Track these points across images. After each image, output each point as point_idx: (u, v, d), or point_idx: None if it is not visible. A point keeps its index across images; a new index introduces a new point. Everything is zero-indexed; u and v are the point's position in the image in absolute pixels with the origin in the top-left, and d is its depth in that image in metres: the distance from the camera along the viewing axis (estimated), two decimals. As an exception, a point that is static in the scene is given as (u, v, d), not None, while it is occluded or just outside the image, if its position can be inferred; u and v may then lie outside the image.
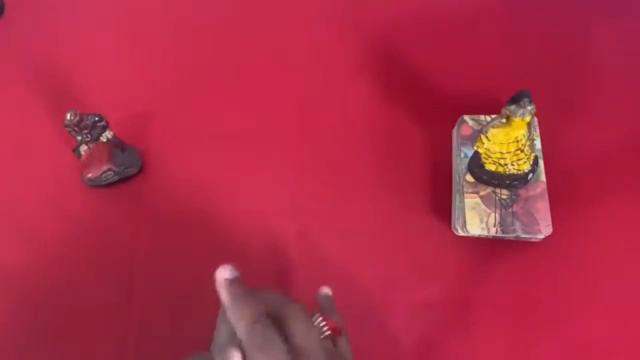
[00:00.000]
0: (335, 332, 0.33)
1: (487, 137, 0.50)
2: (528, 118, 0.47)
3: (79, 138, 0.55)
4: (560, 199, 0.50)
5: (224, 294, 0.32)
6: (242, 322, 0.30)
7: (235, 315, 0.31)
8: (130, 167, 0.58)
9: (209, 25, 0.70)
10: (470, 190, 0.52)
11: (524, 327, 0.49)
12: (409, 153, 0.58)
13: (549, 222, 0.49)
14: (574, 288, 0.50)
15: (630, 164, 0.55)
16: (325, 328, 0.33)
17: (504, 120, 0.48)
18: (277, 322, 0.30)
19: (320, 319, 0.33)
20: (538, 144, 0.53)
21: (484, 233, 0.50)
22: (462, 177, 0.52)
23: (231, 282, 0.32)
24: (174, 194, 0.58)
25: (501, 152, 0.50)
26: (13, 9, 0.74)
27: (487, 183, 0.51)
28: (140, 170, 0.59)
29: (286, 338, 0.30)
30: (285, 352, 0.29)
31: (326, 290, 0.40)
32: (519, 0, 0.68)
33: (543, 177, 0.51)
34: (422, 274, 0.52)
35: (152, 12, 0.72)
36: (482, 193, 0.51)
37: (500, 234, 0.50)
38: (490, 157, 0.51)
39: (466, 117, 0.56)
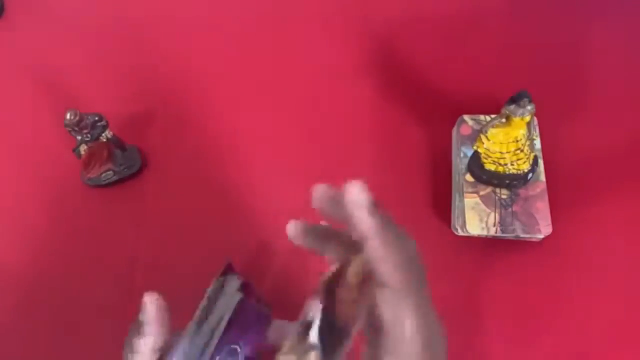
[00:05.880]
0: None
1: (487, 137, 0.50)
2: (528, 118, 0.47)
3: (79, 138, 0.55)
4: (560, 199, 0.50)
5: (369, 219, 0.22)
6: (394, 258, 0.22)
7: (391, 246, 0.22)
8: (130, 167, 0.58)
9: (210, 26, 0.70)
10: (470, 190, 0.52)
11: (524, 326, 0.49)
12: (409, 153, 0.58)
13: (549, 222, 0.49)
14: (574, 288, 0.50)
15: (630, 164, 0.55)
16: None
17: (504, 120, 0.48)
18: None
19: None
20: (538, 144, 0.53)
21: (484, 233, 0.50)
22: (462, 177, 0.52)
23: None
24: (174, 194, 0.58)
25: (501, 152, 0.50)
26: (13, 9, 0.74)
27: (487, 183, 0.51)
28: (141, 170, 0.59)
29: None
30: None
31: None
32: (519, 1, 0.68)
33: (543, 177, 0.51)
34: (422, 274, 0.51)
35: (152, 12, 0.72)
36: (482, 193, 0.51)
37: (500, 234, 0.50)
38: (490, 157, 0.51)
39: (466, 117, 0.56)
